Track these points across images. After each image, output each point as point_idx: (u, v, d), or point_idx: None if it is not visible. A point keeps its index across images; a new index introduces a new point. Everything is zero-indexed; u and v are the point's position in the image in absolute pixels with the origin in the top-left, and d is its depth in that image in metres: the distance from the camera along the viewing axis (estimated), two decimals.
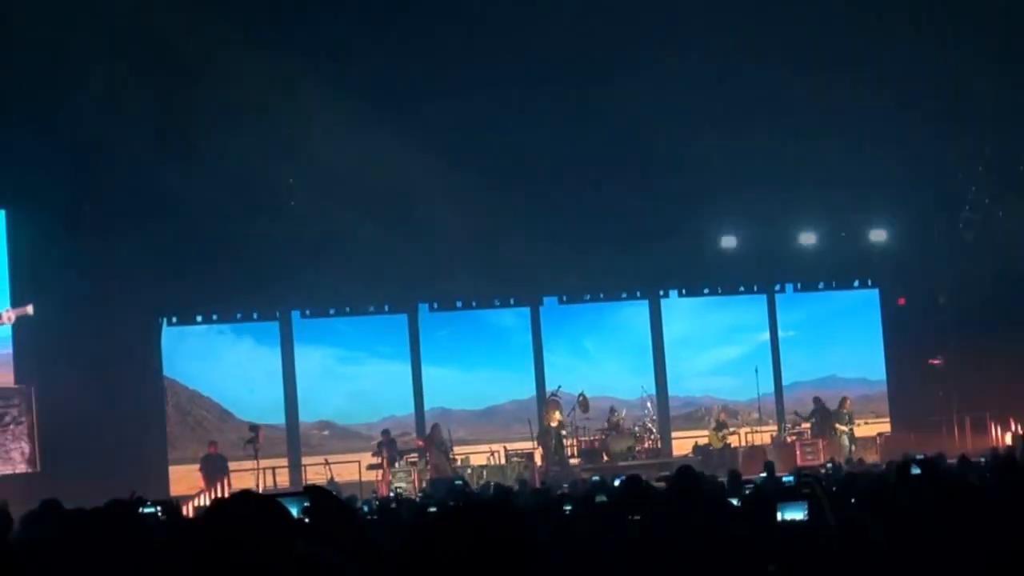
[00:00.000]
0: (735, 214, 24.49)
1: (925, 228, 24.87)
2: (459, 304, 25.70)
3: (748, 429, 25.20)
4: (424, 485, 21.09)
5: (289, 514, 3.07)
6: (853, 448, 23.77)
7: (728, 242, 25.38)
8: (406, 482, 21.77)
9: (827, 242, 25.83)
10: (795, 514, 6.64)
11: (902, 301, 26.47)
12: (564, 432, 23.81)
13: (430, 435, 23.25)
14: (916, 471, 9.16)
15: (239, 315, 24.94)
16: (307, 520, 3.21)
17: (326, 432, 25.86)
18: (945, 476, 9.51)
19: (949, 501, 6.77)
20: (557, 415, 23.78)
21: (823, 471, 16.17)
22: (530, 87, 21.08)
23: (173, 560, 2.95)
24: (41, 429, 22.29)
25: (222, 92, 20.11)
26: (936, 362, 25.57)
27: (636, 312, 26.62)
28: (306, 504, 3.23)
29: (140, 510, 8.11)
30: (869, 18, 20.42)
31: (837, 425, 24.23)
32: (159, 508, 9.00)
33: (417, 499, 16.78)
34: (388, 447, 23.10)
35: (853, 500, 8.57)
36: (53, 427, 21.85)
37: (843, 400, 24.78)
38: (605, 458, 23.50)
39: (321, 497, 3.28)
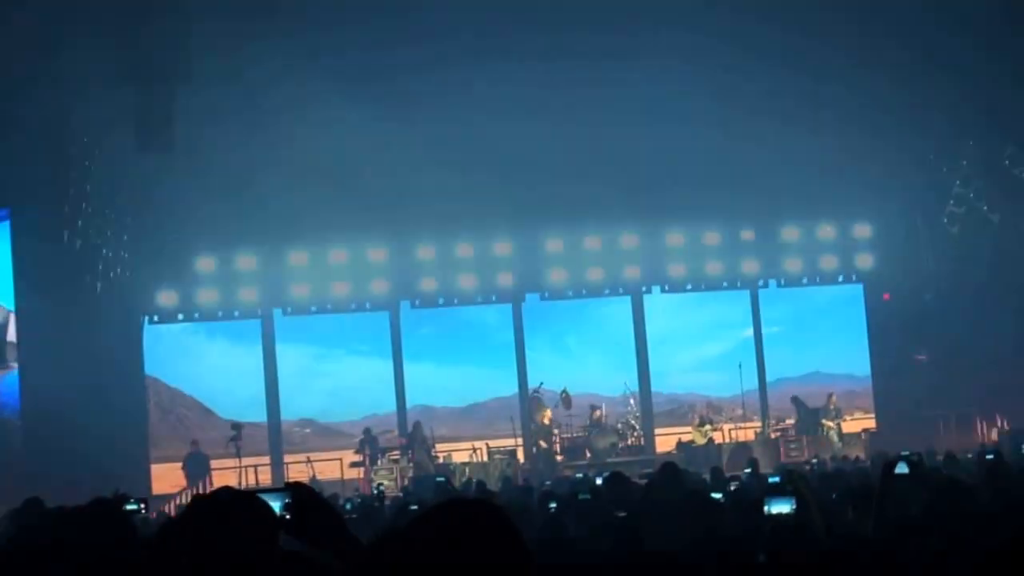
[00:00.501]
0: (715, 208, 24.49)
1: (909, 223, 24.90)
2: (441, 301, 25.63)
3: (732, 426, 25.20)
4: (406, 483, 21.06)
5: (271, 510, 3.04)
6: (840, 445, 23.82)
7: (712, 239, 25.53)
8: (388, 479, 21.74)
9: (810, 237, 25.94)
10: (782, 507, 6.62)
11: (887, 296, 26.49)
12: (555, 430, 24.15)
13: (412, 433, 23.28)
14: (903, 469, 9.14)
15: (220, 313, 24.84)
16: (289, 516, 3.17)
17: (308, 430, 25.80)
18: (934, 474, 9.49)
19: (940, 499, 6.74)
20: (549, 412, 24.16)
21: (808, 467, 16.19)
22: (514, 84, 21.04)
23: (155, 558, 2.92)
24: (25, 426, 22.21)
25: (203, 87, 20.04)
26: (921, 358, 25.63)
27: (618, 308, 26.60)
28: (287, 500, 3.18)
29: (123, 507, 8.06)
30: (859, 12, 20.40)
31: (825, 421, 24.28)
32: (142, 505, 8.95)
33: (401, 496, 16.74)
34: (370, 445, 23.11)
35: (834, 496, 8.56)
36: (36, 424, 21.76)
37: (829, 396, 24.85)
38: (588, 455, 23.53)
39: (303, 493, 3.24)
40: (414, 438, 23.09)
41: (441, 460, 22.95)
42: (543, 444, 24.29)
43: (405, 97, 21.24)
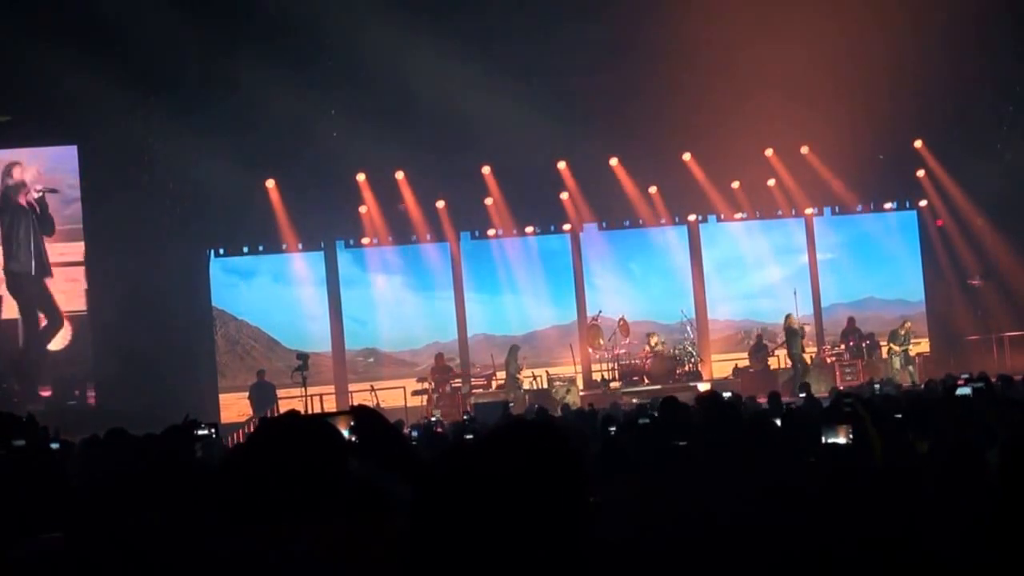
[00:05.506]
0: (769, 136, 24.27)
1: (963, 148, 24.52)
2: (500, 231, 25.75)
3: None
4: (468, 410, 21.25)
5: (339, 433, 3.05)
6: (911, 368, 23.68)
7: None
8: (450, 406, 21.99)
9: (864, 164, 25.55)
10: (838, 438, 6.61)
11: (940, 222, 26.23)
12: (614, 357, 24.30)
13: (507, 358, 23.49)
14: (965, 391, 9.12)
15: (285, 246, 25.11)
16: (355, 439, 3.19)
17: (371, 359, 26.08)
18: (1000, 396, 9.43)
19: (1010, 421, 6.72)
20: (600, 342, 24.31)
21: (866, 392, 16.13)
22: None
23: (224, 482, 2.97)
24: (96, 360, 22.69)
25: (266, 23, 20.20)
26: (975, 283, 25.41)
27: (676, 236, 26.57)
28: (352, 423, 3.20)
29: (195, 432, 8.26)
30: None
31: (892, 345, 24.12)
32: (212, 430, 9.19)
33: (465, 422, 16.91)
34: (441, 372, 23.29)
35: (899, 416, 8.55)
36: (108, 358, 22.23)
37: (903, 322, 24.61)
38: (645, 381, 23.65)
39: (367, 416, 3.25)
40: (509, 362, 23.34)
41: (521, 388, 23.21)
42: (602, 371, 24.44)
43: (481, 25, 21.18)
